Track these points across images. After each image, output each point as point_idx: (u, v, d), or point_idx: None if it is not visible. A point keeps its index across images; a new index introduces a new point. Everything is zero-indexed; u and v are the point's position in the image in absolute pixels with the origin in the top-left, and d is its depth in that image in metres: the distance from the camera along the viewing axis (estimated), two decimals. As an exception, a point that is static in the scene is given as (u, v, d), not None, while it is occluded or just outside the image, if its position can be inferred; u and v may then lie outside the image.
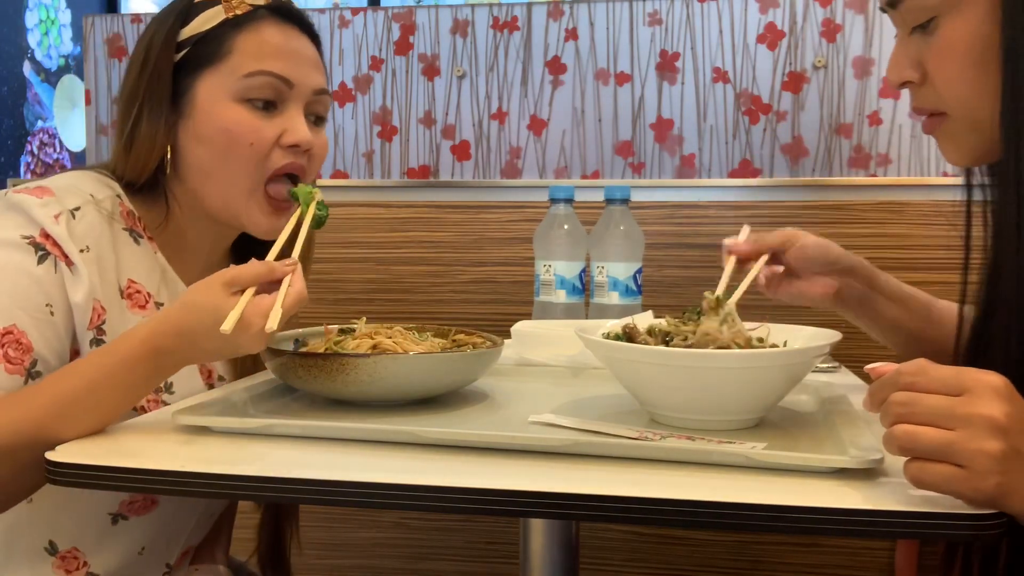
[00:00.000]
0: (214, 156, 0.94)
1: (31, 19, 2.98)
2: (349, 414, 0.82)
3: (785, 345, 0.83)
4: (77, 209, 0.89)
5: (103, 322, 0.89)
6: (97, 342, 0.88)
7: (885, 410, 0.59)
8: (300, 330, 0.99)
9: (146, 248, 0.96)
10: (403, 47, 1.87)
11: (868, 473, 0.64)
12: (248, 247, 1.02)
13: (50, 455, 0.68)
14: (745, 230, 1.00)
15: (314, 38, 1.01)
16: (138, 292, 0.94)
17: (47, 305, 0.85)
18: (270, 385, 0.93)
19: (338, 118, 1.90)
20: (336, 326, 0.96)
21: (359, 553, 1.78)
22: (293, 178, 0.97)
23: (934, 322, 1.02)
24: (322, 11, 1.92)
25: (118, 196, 0.95)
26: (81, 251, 0.88)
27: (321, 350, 0.88)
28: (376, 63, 1.88)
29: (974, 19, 0.77)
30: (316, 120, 1.00)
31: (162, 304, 0.96)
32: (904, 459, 0.59)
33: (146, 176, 0.96)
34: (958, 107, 0.81)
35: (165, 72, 0.94)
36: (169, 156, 0.96)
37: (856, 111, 1.82)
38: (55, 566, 0.93)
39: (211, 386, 1.01)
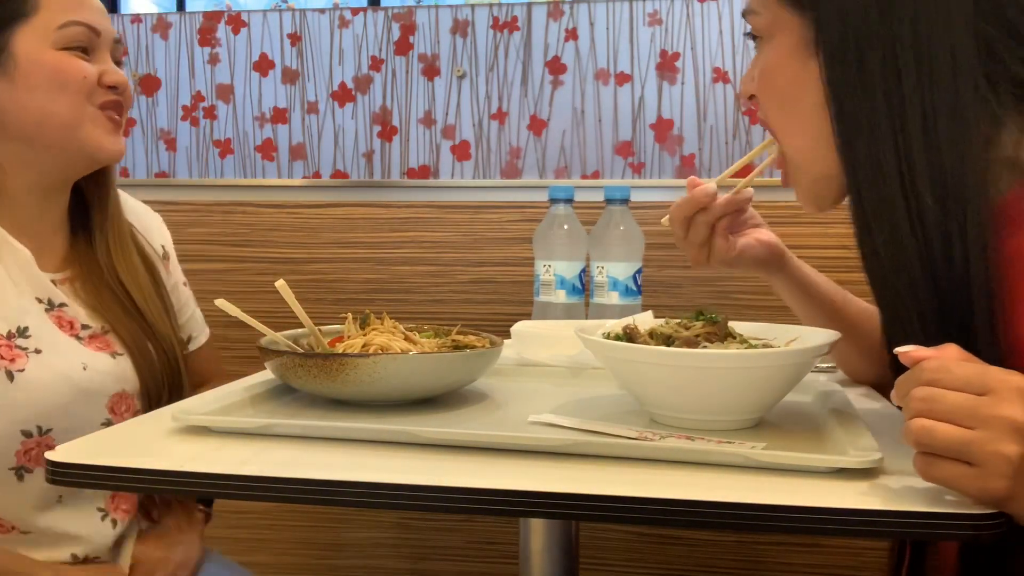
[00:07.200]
0: (48, 99, 0.98)
1: (31, 19, 2.96)
2: (349, 414, 0.82)
3: (785, 345, 0.83)
4: None
5: None
6: None
7: (906, 404, 0.59)
8: (297, 331, 0.99)
9: None
10: (403, 47, 1.87)
11: (868, 473, 0.64)
12: (84, 213, 1.07)
13: (50, 455, 0.68)
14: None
15: None
16: None
17: None
18: (270, 385, 0.93)
19: (338, 118, 1.90)
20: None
21: (359, 553, 1.78)
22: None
23: (846, 320, 1.00)
24: (322, 11, 1.92)
25: None
26: None
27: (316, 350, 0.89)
28: (376, 63, 1.88)
29: (783, 51, 0.78)
30: (116, 64, 1.06)
31: None
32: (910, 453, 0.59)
33: None
34: (777, 133, 0.83)
35: None
36: None
37: (856, 111, 1.81)
38: None
39: (76, 336, 1.01)
